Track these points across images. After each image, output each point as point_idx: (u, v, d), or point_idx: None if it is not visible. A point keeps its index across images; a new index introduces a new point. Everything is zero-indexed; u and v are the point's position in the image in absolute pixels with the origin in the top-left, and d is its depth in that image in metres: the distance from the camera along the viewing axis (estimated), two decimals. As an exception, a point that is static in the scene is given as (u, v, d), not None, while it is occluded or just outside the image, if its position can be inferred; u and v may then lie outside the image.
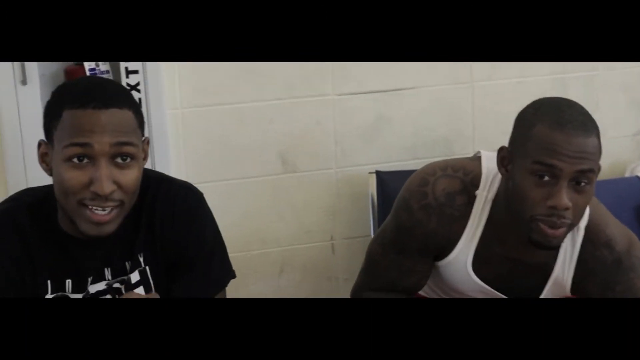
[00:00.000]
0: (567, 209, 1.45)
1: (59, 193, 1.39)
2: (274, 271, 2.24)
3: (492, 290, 1.66)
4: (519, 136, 1.53)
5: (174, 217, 1.50)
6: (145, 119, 1.48)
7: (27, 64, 1.91)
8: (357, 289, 1.76)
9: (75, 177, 1.35)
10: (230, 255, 1.60)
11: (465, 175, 1.61)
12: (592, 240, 1.59)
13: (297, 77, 2.14)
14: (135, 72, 1.96)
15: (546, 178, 1.45)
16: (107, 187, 1.35)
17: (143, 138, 1.44)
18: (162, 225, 1.49)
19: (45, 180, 1.46)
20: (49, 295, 1.44)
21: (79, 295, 1.46)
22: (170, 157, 2.05)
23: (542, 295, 1.65)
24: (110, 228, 1.39)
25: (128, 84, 1.94)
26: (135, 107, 1.42)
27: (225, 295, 1.58)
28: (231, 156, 2.14)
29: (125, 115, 1.38)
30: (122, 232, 1.45)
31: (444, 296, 1.80)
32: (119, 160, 1.37)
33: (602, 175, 2.23)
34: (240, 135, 2.13)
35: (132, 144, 1.38)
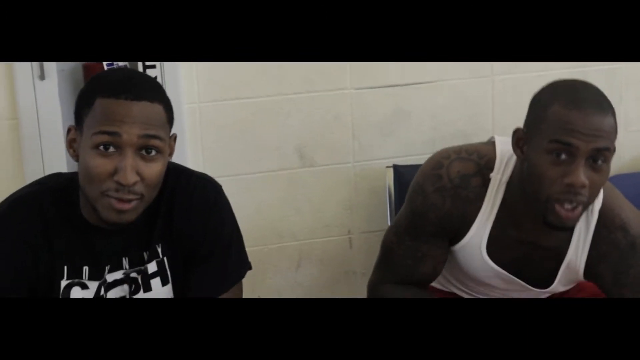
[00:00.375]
0: (584, 186, 1.46)
1: (84, 180, 1.41)
2: (292, 265, 2.24)
3: (507, 274, 1.66)
4: (535, 117, 1.54)
5: (192, 209, 1.51)
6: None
7: (45, 58, 1.92)
8: (373, 283, 1.76)
9: (101, 164, 1.38)
10: (247, 249, 1.61)
11: (479, 158, 1.63)
12: (606, 223, 1.61)
13: (315, 71, 2.13)
14: (153, 66, 1.97)
15: (563, 157, 1.47)
16: (131, 178, 1.37)
17: (171, 134, 1.45)
18: (180, 217, 1.51)
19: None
20: (64, 281, 1.47)
21: (96, 283, 1.48)
22: (188, 151, 2.06)
23: (556, 280, 1.65)
24: (130, 217, 1.41)
25: (145, 79, 1.95)
26: (166, 103, 1.44)
27: (241, 287, 1.59)
28: (249, 150, 2.14)
29: (155, 109, 1.40)
30: (140, 222, 1.47)
31: (459, 285, 1.80)
32: (144, 152, 1.39)
33: (623, 169, 2.22)
34: (257, 130, 2.13)
35: (160, 138, 1.40)
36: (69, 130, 1.45)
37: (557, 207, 1.48)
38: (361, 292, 2.13)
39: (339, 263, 2.27)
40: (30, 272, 1.45)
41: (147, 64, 1.96)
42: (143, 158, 1.39)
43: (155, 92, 1.43)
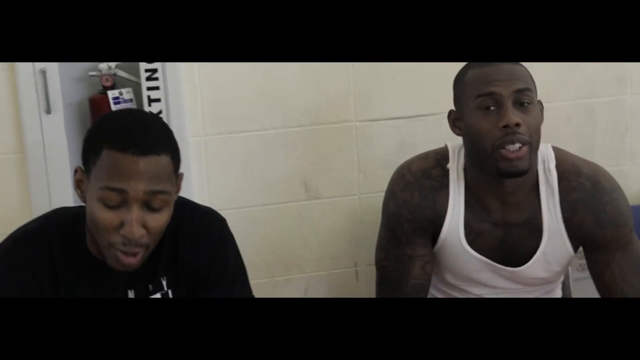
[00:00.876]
0: (517, 124, 1.57)
1: (91, 226, 1.43)
2: (298, 297, 2.23)
3: (491, 262, 1.71)
4: (458, 89, 1.70)
5: (196, 242, 1.52)
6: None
7: (51, 93, 1.92)
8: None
9: (107, 218, 1.39)
10: (253, 281, 1.61)
11: (435, 154, 1.77)
12: (565, 175, 1.69)
13: (320, 103, 2.14)
14: (158, 100, 1.98)
15: (491, 108, 1.60)
16: (137, 232, 1.39)
17: (177, 173, 1.46)
18: (184, 250, 1.52)
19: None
20: None
21: None
22: (193, 184, 2.06)
23: (540, 250, 1.70)
24: (135, 266, 1.44)
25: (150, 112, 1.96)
26: (174, 151, 1.45)
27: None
28: (254, 183, 2.14)
29: (162, 162, 1.41)
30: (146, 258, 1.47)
31: (449, 291, 1.83)
32: (151, 205, 1.41)
33: (632, 201, 2.21)
34: (263, 162, 2.14)
35: (166, 192, 1.42)
36: (76, 171, 1.46)
37: (503, 152, 1.58)
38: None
39: (345, 295, 2.26)
40: None
41: (152, 97, 1.97)
42: (149, 210, 1.41)
43: (163, 143, 1.42)
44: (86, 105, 2.01)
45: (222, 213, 1.59)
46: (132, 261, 1.41)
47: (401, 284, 1.73)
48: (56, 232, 1.48)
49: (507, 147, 1.58)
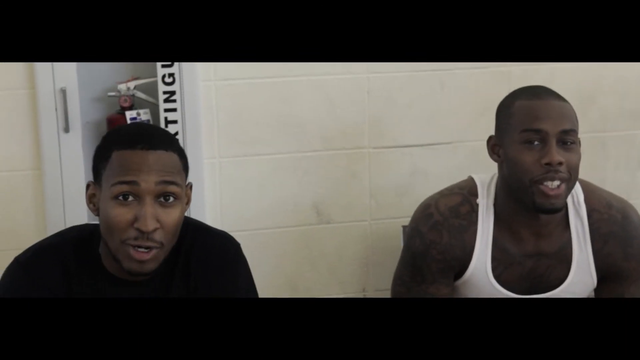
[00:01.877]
0: (560, 163, 1.58)
1: (105, 231, 1.44)
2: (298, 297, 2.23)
3: (515, 296, 1.71)
4: (503, 118, 1.69)
5: (210, 265, 1.53)
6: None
7: (70, 112, 1.96)
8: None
9: (121, 214, 1.40)
10: (261, 303, 1.61)
11: (460, 189, 1.75)
12: (595, 207, 1.71)
13: (334, 129, 2.16)
14: (175, 122, 2.00)
15: (536, 143, 1.61)
16: (151, 225, 1.39)
17: (187, 183, 1.48)
18: (197, 272, 1.52)
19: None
20: None
21: None
22: (206, 205, 2.08)
23: (567, 282, 1.71)
24: (150, 266, 1.43)
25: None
26: (180, 152, 1.48)
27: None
28: (266, 206, 2.16)
29: (171, 158, 1.43)
30: (159, 276, 1.49)
31: None
32: (162, 199, 1.42)
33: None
34: (275, 186, 2.15)
35: (177, 184, 1.43)
36: (88, 186, 1.48)
37: (542, 187, 1.59)
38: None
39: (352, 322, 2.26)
40: None
41: (169, 119, 2.00)
42: (162, 205, 1.42)
43: (169, 142, 1.46)
44: (104, 124, 2.04)
45: (234, 234, 1.60)
46: (146, 256, 1.41)
47: None
48: (71, 248, 1.49)
49: (546, 183, 1.59)
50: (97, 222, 1.49)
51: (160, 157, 1.42)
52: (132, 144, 1.41)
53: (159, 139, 1.44)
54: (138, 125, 1.73)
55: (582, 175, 1.96)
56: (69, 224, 1.92)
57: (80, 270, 1.48)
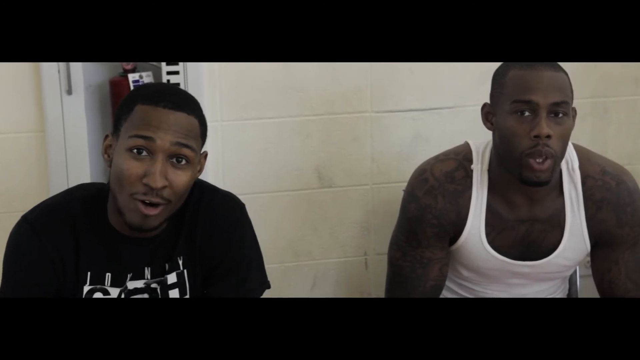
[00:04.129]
0: (549, 136, 1.58)
1: (114, 182, 1.45)
2: (307, 284, 2.26)
3: (509, 260, 1.73)
4: (496, 86, 1.68)
5: (215, 226, 1.54)
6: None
7: (73, 75, 1.96)
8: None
9: (132, 167, 1.42)
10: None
11: (456, 155, 1.76)
12: (589, 173, 1.72)
13: (336, 93, 2.16)
14: (177, 84, 2.00)
15: (526, 114, 1.60)
16: (160, 182, 1.41)
17: (202, 151, 1.48)
18: (203, 232, 1.54)
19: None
20: (86, 286, 1.51)
21: (117, 290, 1.52)
22: (208, 169, 2.08)
23: (560, 247, 1.72)
24: (155, 222, 1.45)
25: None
26: (202, 119, 1.50)
27: (259, 305, 1.61)
28: (268, 169, 2.17)
29: (191, 121, 1.45)
30: (165, 234, 1.52)
31: (463, 283, 1.85)
32: (175, 160, 1.44)
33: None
34: (278, 149, 2.16)
35: (191, 148, 1.45)
36: (106, 137, 1.50)
37: (530, 161, 1.60)
38: (375, 314, 2.15)
39: (354, 284, 2.28)
40: (58, 277, 1.49)
41: (172, 81, 2.00)
42: (173, 165, 1.43)
43: (193, 106, 1.48)
44: (106, 87, 2.04)
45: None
46: (152, 212, 1.42)
47: (419, 285, 1.75)
48: (79, 206, 1.51)
49: (535, 158, 1.59)
50: (102, 182, 1.51)
51: (180, 119, 1.43)
52: (156, 101, 1.43)
53: (183, 101, 1.46)
54: (166, 85, 1.81)
55: (583, 140, 1.97)
56: (72, 185, 1.93)
57: (87, 227, 1.50)
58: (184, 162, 1.44)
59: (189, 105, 1.47)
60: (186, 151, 1.44)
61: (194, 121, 1.46)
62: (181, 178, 1.44)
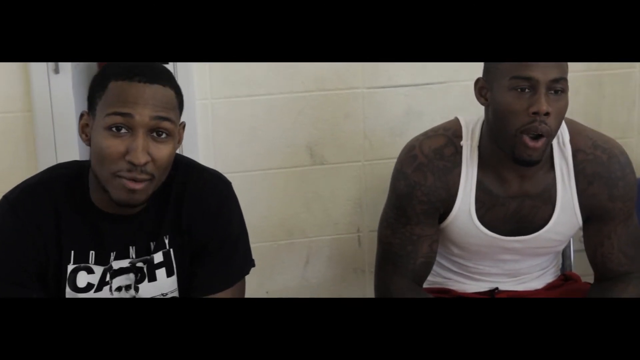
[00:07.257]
0: (548, 113, 1.57)
1: (95, 162, 1.44)
2: (300, 262, 2.25)
3: (500, 236, 1.73)
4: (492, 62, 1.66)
5: (201, 204, 1.53)
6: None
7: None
8: (382, 282, 1.79)
9: (113, 145, 1.40)
10: (256, 245, 1.63)
11: (445, 131, 1.75)
12: (580, 147, 1.71)
13: (327, 69, 2.14)
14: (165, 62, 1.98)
15: (526, 90, 1.59)
16: (143, 158, 1.40)
17: (180, 122, 1.47)
18: (189, 210, 1.53)
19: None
20: (70, 265, 1.50)
21: (101, 268, 1.51)
22: (199, 147, 2.07)
23: (551, 222, 1.72)
24: (140, 197, 1.44)
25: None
26: (177, 89, 1.48)
27: (244, 284, 1.61)
28: (260, 147, 2.15)
29: (167, 93, 1.43)
30: (150, 212, 1.50)
31: (453, 259, 1.84)
32: (155, 134, 1.42)
33: (637, 173, 2.20)
34: (269, 127, 2.15)
35: (170, 120, 1.43)
36: (81, 116, 1.48)
37: (525, 139, 1.58)
38: (369, 291, 2.15)
39: (347, 261, 2.28)
40: (40, 256, 1.48)
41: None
42: (154, 139, 1.42)
43: (167, 78, 1.46)
44: (94, 66, 2.04)
45: (227, 176, 1.61)
46: (138, 187, 1.41)
47: (409, 262, 1.74)
48: (61, 183, 1.50)
49: (530, 135, 1.58)
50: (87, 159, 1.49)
51: (156, 92, 1.42)
52: (130, 76, 1.41)
53: (157, 74, 1.44)
54: (137, 61, 1.71)
55: (577, 113, 1.96)
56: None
57: (68, 205, 1.49)
58: (164, 135, 1.43)
59: (163, 76, 1.45)
60: (166, 124, 1.42)
61: (170, 92, 1.44)
62: (163, 152, 1.43)
